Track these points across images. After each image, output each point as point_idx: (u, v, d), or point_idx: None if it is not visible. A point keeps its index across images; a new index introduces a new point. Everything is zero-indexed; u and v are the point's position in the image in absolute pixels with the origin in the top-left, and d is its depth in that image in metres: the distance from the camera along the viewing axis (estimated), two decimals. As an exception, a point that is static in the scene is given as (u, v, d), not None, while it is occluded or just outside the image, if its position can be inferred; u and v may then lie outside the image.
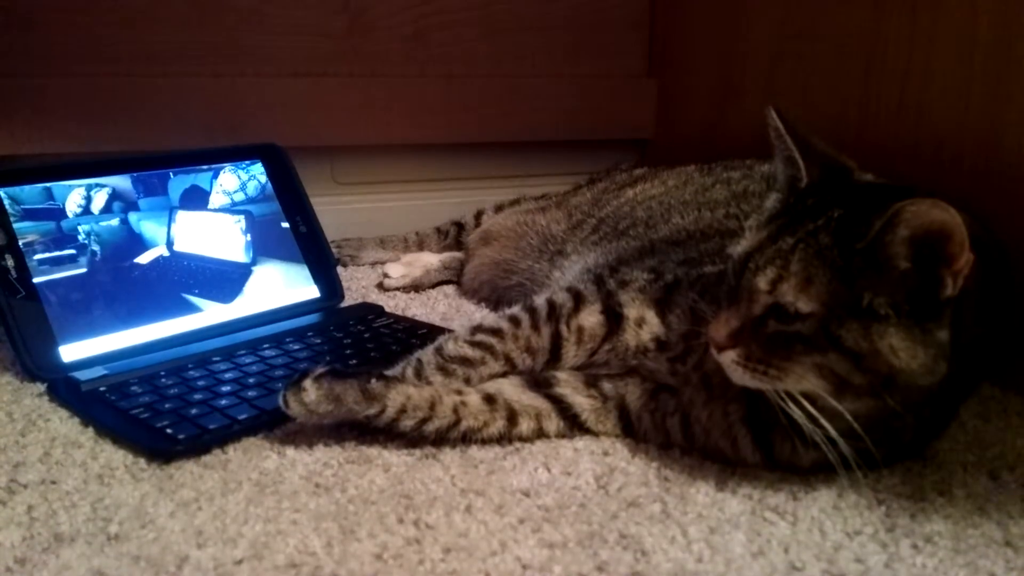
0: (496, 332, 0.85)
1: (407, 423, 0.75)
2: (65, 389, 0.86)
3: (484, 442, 0.77)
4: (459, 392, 0.78)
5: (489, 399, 0.79)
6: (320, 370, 0.74)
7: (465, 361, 0.82)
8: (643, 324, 0.82)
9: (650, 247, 0.97)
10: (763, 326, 0.66)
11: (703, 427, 0.76)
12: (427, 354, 0.83)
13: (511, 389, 0.81)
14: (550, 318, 0.85)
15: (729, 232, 0.91)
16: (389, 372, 0.80)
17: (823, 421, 0.65)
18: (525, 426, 0.78)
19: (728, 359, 0.67)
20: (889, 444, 0.71)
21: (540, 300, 0.87)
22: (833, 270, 0.63)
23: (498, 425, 0.78)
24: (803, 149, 0.73)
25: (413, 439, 0.76)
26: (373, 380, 0.75)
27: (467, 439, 0.77)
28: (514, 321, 0.85)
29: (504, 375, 0.83)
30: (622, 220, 1.09)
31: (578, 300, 0.85)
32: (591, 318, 0.84)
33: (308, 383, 0.73)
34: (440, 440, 0.76)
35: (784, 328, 0.65)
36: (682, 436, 0.77)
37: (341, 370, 0.75)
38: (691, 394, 0.77)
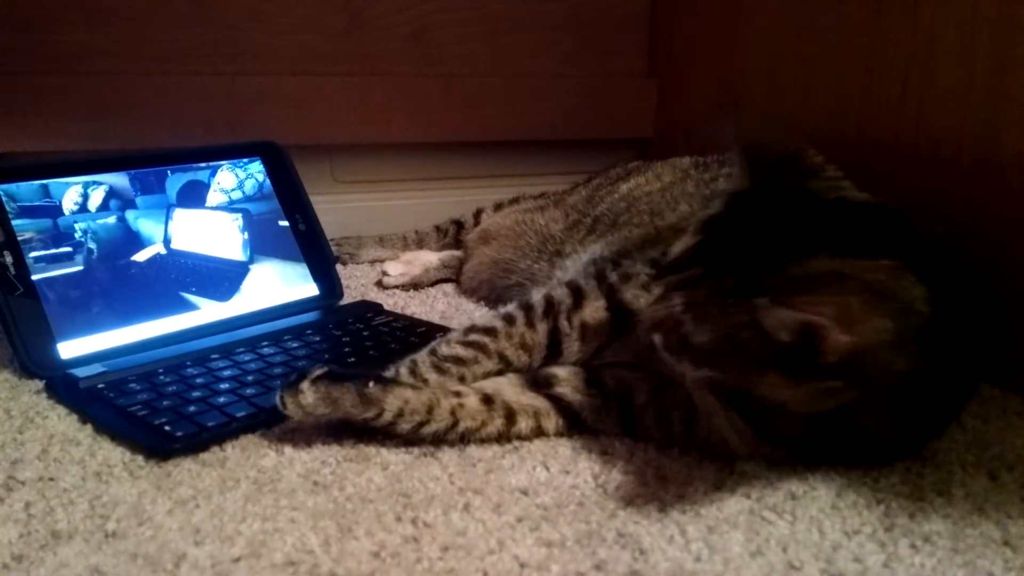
0: (489, 331, 0.84)
1: (404, 426, 0.75)
2: (63, 386, 0.86)
3: (483, 441, 0.77)
4: (457, 394, 0.78)
5: (487, 399, 0.78)
6: (317, 372, 0.74)
7: (458, 360, 0.82)
8: None
9: (655, 235, 0.97)
10: None
11: (707, 415, 0.75)
12: (422, 355, 0.83)
13: (510, 389, 0.81)
14: (547, 314, 0.84)
15: None
16: (386, 373, 0.80)
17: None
18: (524, 425, 0.78)
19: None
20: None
21: (537, 296, 0.87)
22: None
23: (496, 424, 0.77)
24: (747, 155, 0.72)
25: (412, 439, 0.76)
26: (371, 384, 0.74)
27: (465, 439, 0.77)
28: (508, 319, 0.85)
29: (501, 372, 0.83)
30: (621, 215, 1.09)
31: (578, 295, 0.85)
32: (596, 314, 0.83)
33: (305, 385, 0.73)
34: (439, 441, 0.76)
35: None
36: (684, 428, 0.77)
37: (339, 372, 0.75)
38: None
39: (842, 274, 0.62)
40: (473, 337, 0.84)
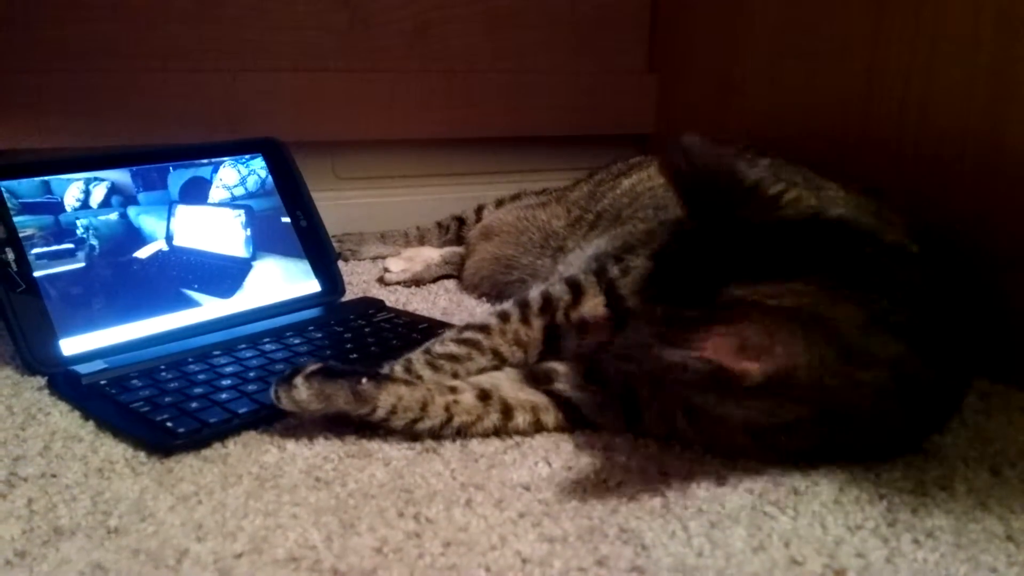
0: (483, 328, 0.85)
1: (398, 423, 0.75)
2: (65, 383, 0.86)
3: (479, 436, 0.77)
4: (453, 390, 0.78)
5: (484, 395, 0.78)
6: (311, 368, 0.74)
7: (452, 358, 0.82)
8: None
9: (660, 228, 0.96)
10: None
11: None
12: (417, 353, 0.83)
13: (508, 384, 0.81)
14: (543, 311, 0.84)
15: None
16: (382, 370, 0.80)
17: None
18: (521, 419, 0.78)
19: None
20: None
21: (535, 293, 0.87)
22: None
23: (492, 419, 0.77)
24: (679, 183, 0.71)
25: (408, 434, 0.76)
26: (364, 380, 0.74)
27: (462, 433, 0.77)
28: (502, 316, 0.85)
29: (496, 368, 0.83)
30: (624, 210, 1.08)
31: (577, 291, 0.85)
32: (596, 311, 0.83)
33: (299, 381, 0.73)
34: (435, 436, 0.76)
35: None
36: (688, 422, 0.76)
37: (334, 368, 0.75)
38: None
39: (751, 301, 0.63)
40: (467, 335, 0.84)
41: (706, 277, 0.66)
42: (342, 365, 0.76)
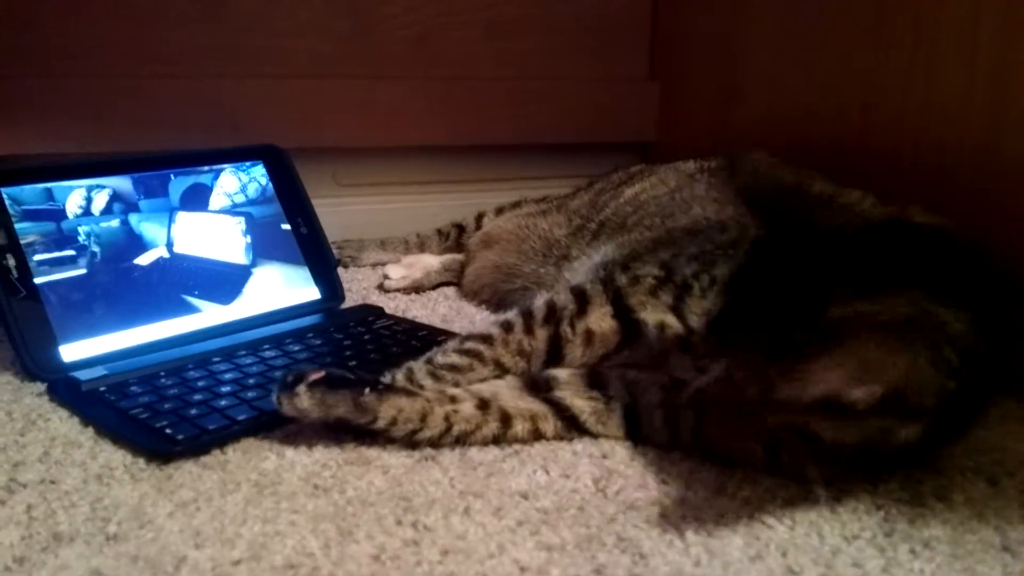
0: (486, 338, 0.84)
1: (397, 433, 0.75)
2: (65, 389, 0.86)
3: (480, 444, 0.77)
4: (452, 399, 0.78)
5: (483, 404, 0.78)
6: (314, 376, 0.74)
7: (454, 368, 0.82)
8: (664, 328, 0.81)
9: (667, 237, 0.96)
10: None
11: (717, 419, 0.75)
12: (419, 363, 0.83)
13: (508, 393, 0.81)
14: (547, 320, 0.84)
15: (747, 225, 0.90)
16: (383, 379, 0.80)
17: None
18: (520, 427, 0.78)
19: None
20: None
21: (539, 302, 0.87)
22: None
23: (491, 427, 0.77)
24: (750, 197, 0.70)
25: (408, 443, 0.76)
26: (367, 391, 0.75)
27: (461, 442, 0.77)
28: (505, 326, 0.85)
29: (499, 377, 0.83)
30: (628, 218, 1.09)
31: (583, 301, 0.85)
32: (603, 322, 0.83)
33: (302, 389, 0.73)
34: (435, 445, 0.77)
35: None
36: (691, 430, 0.76)
37: (336, 376, 0.75)
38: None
39: (856, 319, 0.61)
40: (469, 345, 0.84)
41: (797, 297, 0.64)
42: (345, 373, 0.77)
